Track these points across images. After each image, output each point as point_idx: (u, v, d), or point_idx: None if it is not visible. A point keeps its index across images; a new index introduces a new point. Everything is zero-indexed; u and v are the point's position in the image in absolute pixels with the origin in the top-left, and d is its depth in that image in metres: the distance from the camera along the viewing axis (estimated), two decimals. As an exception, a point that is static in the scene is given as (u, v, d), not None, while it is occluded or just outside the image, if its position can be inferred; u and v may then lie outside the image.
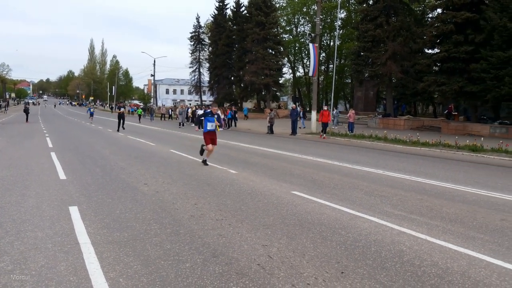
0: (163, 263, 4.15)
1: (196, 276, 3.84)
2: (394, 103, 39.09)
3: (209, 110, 11.39)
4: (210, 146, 10.93)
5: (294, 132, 25.45)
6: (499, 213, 6.45)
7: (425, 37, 30.80)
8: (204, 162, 11.05)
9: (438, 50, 29.20)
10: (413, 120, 32.15)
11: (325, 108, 25.24)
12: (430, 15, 36.13)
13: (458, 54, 26.37)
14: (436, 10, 31.72)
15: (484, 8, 25.39)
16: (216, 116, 11.18)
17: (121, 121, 25.92)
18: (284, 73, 54.68)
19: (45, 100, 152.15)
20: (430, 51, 32.62)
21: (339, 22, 49.74)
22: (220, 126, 11.47)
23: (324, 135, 23.05)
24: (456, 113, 35.26)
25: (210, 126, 10.99)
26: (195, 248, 4.58)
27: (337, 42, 43.91)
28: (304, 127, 28.51)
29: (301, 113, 33.08)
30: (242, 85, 51.63)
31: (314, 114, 27.50)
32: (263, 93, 48.90)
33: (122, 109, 27.48)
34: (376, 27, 33.10)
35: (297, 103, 42.25)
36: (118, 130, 25.11)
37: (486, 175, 10.81)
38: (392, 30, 32.78)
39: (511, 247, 4.83)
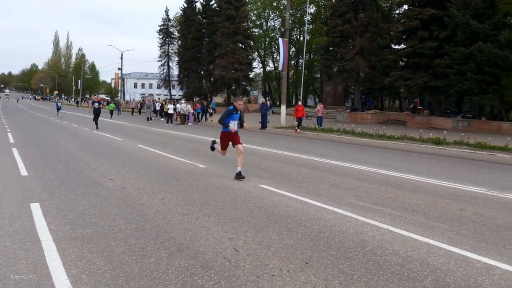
0: (127, 258, 4.10)
1: (160, 271, 3.81)
2: (362, 97, 39.85)
3: (232, 107, 8.66)
4: (225, 152, 8.84)
5: (264, 126, 25.54)
6: (458, 203, 6.70)
7: (392, 33, 31.51)
8: (238, 175, 8.30)
9: (404, 46, 29.95)
10: (379, 114, 32.87)
11: (300, 103, 25.43)
12: (397, 11, 36.91)
13: (423, 50, 27.13)
14: (402, 6, 32.45)
15: (448, 5, 26.17)
16: (239, 112, 8.73)
17: (97, 118, 22.86)
18: (254, 68, 54.79)
19: (7, 94, 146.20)
20: (396, 46, 33.38)
21: (308, 17, 50.15)
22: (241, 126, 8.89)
23: (299, 129, 23.17)
24: (421, 107, 36.32)
25: (232, 124, 8.54)
26: (160, 243, 4.54)
27: (307, 37, 44.26)
28: (268, 122, 28.54)
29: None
30: (212, 79, 51.30)
31: (283, 108, 27.67)
32: (233, 87, 48.77)
33: (96, 105, 23.63)
34: (345, 22, 33.58)
35: (267, 98, 42.39)
36: (97, 128, 22.24)
37: (448, 167, 11.19)
38: (360, 26, 33.34)
39: (468, 235, 5.03)
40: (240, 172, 8.28)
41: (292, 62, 57.98)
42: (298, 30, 57.51)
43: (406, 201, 6.76)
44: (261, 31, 59.89)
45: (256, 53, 55.50)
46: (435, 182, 8.57)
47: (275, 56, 59.13)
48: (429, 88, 27.94)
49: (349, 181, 8.44)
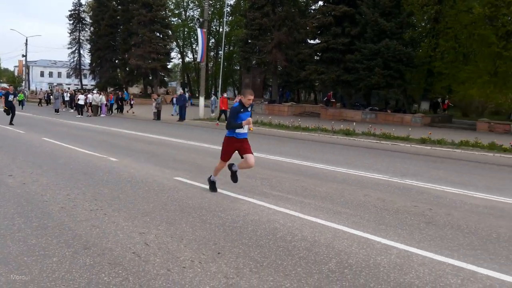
0: (26, 259, 3.80)
1: (63, 270, 3.59)
2: (279, 90, 40.90)
3: (237, 104, 6.45)
4: (225, 164, 6.48)
5: (182, 118, 25.13)
6: (363, 190, 7.16)
7: (307, 28, 32.70)
8: (212, 185, 6.63)
9: (319, 41, 31.21)
10: (296, 107, 33.96)
11: (225, 95, 25.48)
12: (313, 7, 38.25)
13: (336, 45, 28.50)
14: (318, 2, 33.74)
15: (359, 3, 27.74)
16: (250, 108, 6.34)
17: (11, 112, 18.77)
18: (172, 58, 53.64)
19: None
20: (312, 41, 34.66)
21: (228, 9, 50.02)
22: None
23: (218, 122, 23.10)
24: (334, 100, 38.16)
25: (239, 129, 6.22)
26: (64, 241, 4.27)
27: (226, 29, 44.22)
28: (173, 115, 28.24)
29: (174, 99, 30.87)
30: (127, 68, 49.26)
31: (202, 100, 27.44)
32: (150, 78, 47.27)
33: (11, 97, 19.39)
34: (263, 15, 34.08)
35: (185, 89, 41.81)
36: (11, 123, 18.40)
37: (356, 156, 11.91)
38: (278, 20, 34.05)
39: (371, 219, 5.40)
40: (212, 179, 6.58)
41: (212, 53, 57.65)
42: (218, 21, 57.19)
43: (317, 189, 7.08)
44: (180, 21, 58.61)
45: (175, 43, 54.32)
46: (344, 170, 9.08)
47: (194, 47, 58.25)
48: (341, 82, 29.48)
49: (264, 171, 8.61)
